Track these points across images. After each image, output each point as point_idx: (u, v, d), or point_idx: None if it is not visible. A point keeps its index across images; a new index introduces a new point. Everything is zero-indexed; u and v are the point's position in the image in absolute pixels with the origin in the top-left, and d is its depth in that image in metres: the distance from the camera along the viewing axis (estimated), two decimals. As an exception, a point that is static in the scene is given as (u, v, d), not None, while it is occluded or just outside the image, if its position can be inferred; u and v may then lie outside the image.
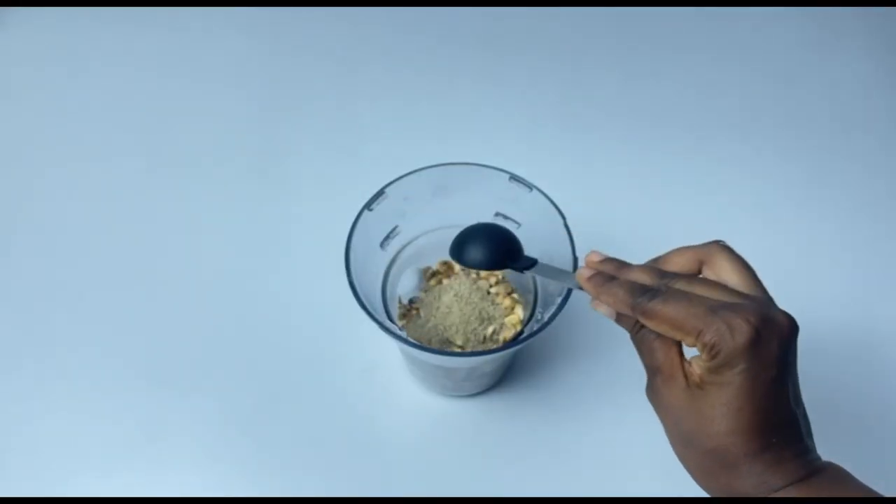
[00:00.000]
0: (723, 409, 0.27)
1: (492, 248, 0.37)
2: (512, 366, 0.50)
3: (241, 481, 0.45)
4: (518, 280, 0.47)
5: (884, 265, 0.56)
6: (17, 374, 0.49)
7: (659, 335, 0.29)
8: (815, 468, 0.28)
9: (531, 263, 0.36)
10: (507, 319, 0.45)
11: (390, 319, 0.43)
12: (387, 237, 0.44)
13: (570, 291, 0.37)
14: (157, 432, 0.47)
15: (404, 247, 0.46)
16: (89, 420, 0.47)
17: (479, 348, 0.44)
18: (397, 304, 0.46)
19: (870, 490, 0.27)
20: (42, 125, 0.65)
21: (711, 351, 0.27)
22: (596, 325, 0.51)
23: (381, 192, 0.41)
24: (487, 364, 0.43)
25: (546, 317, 0.38)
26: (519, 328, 0.45)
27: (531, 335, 0.37)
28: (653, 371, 0.30)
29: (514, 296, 0.47)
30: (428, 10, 0.75)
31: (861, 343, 0.52)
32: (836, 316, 0.53)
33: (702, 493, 0.44)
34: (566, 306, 0.37)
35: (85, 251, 0.56)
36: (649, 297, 0.29)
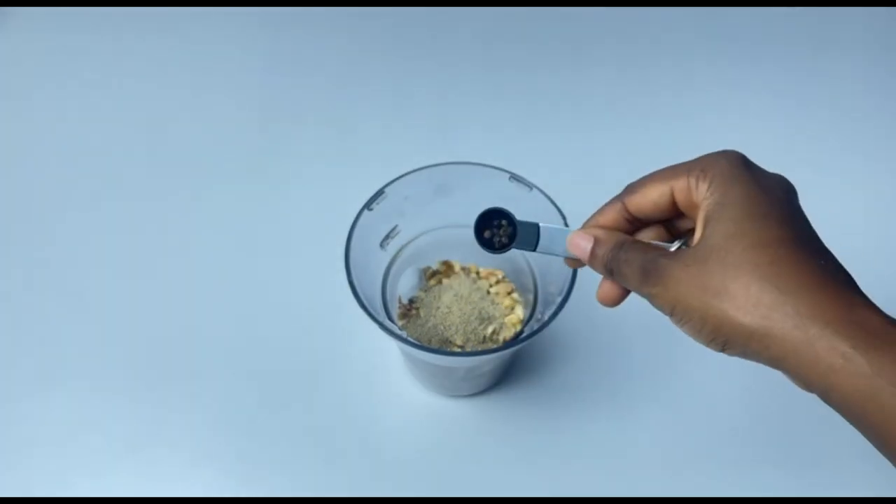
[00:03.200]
0: (745, 219, 0.23)
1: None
2: (512, 366, 0.50)
3: (240, 481, 0.45)
4: (518, 280, 0.47)
5: None
6: (17, 374, 0.49)
7: (639, 242, 0.28)
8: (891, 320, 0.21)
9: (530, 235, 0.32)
10: (507, 319, 0.45)
11: (390, 319, 0.43)
12: (387, 237, 0.44)
13: (570, 290, 0.37)
14: (156, 432, 0.47)
15: (404, 246, 0.46)
16: (88, 420, 0.47)
17: (479, 348, 0.44)
18: (397, 304, 0.46)
19: None
20: (42, 125, 0.65)
21: (708, 176, 0.25)
22: (596, 325, 0.51)
23: (380, 192, 0.41)
24: (487, 364, 0.43)
25: (546, 317, 0.38)
26: (519, 328, 0.45)
27: (531, 335, 0.37)
28: (650, 261, 0.26)
29: (514, 296, 0.47)
30: (428, 10, 0.75)
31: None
32: None
33: (702, 493, 0.44)
34: (566, 306, 0.37)
35: (85, 251, 0.56)
36: (627, 185, 0.28)
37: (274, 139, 0.64)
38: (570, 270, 0.38)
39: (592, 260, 0.29)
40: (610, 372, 0.50)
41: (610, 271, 0.28)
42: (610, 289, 0.30)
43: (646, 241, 0.29)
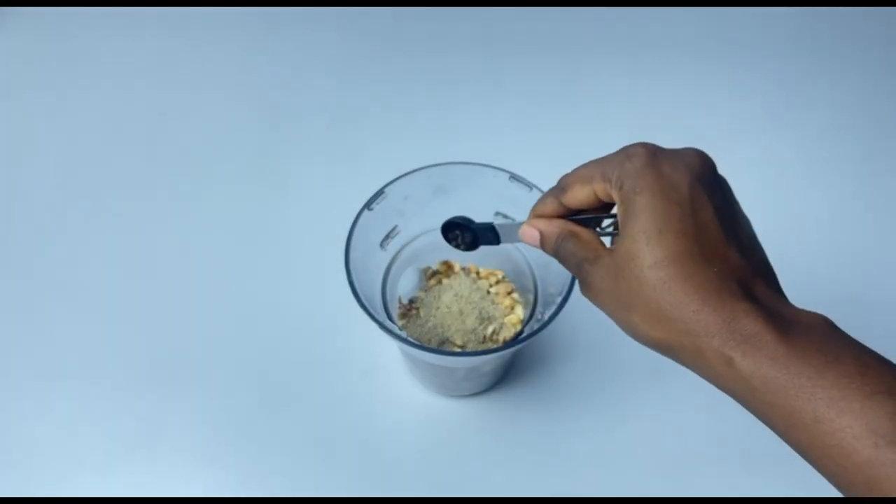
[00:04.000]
0: (642, 239, 0.25)
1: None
2: (512, 366, 0.50)
3: (240, 481, 0.45)
4: (518, 280, 0.47)
5: None
6: (17, 374, 0.49)
7: (574, 235, 0.29)
8: (782, 317, 0.24)
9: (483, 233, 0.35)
10: (506, 319, 0.45)
11: (390, 319, 0.43)
12: (386, 237, 0.44)
13: (570, 290, 0.37)
14: (156, 432, 0.47)
15: (404, 246, 0.46)
16: (88, 420, 0.47)
17: (479, 348, 0.44)
18: (397, 304, 0.46)
19: (864, 348, 0.23)
20: (42, 125, 0.65)
21: (617, 182, 0.26)
22: (596, 325, 0.51)
23: (380, 192, 0.41)
24: (487, 364, 0.43)
25: (546, 317, 0.38)
26: (519, 328, 0.45)
27: (531, 335, 0.37)
28: (580, 267, 0.29)
29: (514, 296, 0.47)
30: (428, 10, 0.75)
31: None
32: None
33: (702, 493, 0.44)
34: (566, 306, 0.37)
35: (84, 251, 0.56)
36: (561, 178, 0.30)
37: (274, 139, 0.64)
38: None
39: (543, 247, 0.31)
40: (610, 372, 0.50)
41: (558, 259, 0.30)
42: (533, 235, 0.32)
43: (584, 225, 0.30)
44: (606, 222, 0.31)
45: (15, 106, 0.66)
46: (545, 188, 0.41)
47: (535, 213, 0.32)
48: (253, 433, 0.47)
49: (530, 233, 0.31)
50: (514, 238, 0.33)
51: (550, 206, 0.31)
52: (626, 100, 0.68)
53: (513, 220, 0.44)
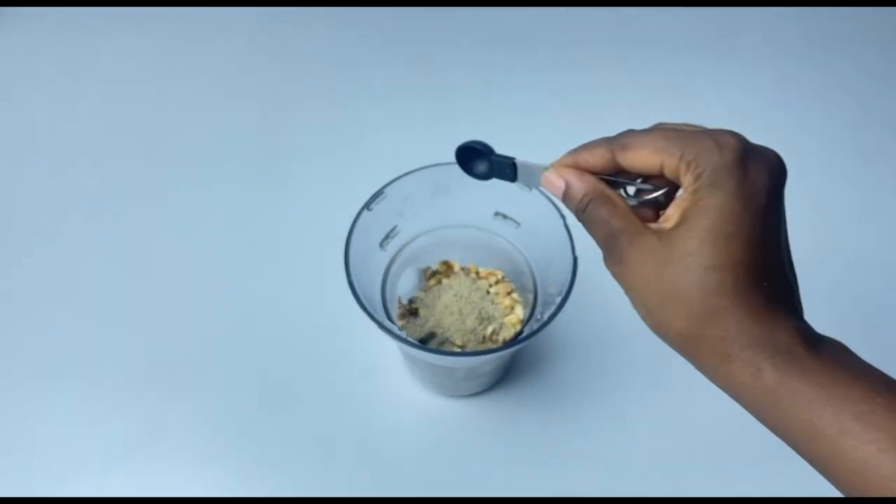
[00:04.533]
0: (709, 238, 0.23)
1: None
2: (512, 366, 0.50)
3: (240, 481, 0.45)
4: (518, 280, 0.47)
5: None
6: (16, 374, 0.49)
7: (609, 201, 0.27)
8: (812, 336, 0.24)
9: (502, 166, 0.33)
10: (506, 319, 0.45)
11: (390, 319, 0.43)
12: (386, 237, 0.44)
13: (570, 290, 0.37)
14: (156, 432, 0.47)
15: (404, 246, 0.46)
16: (88, 420, 0.47)
17: (479, 348, 0.44)
18: (397, 304, 0.46)
19: (873, 370, 0.24)
20: (41, 125, 0.65)
21: (696, 169, 0.24)
22: (595, 325, 0.51)
23: (380, 192, 0.41)
24: (487, 364, 0.43)
25: (546, 317, 0.38)
26: (518, 328, 0.45)
27: (531, 335, 0.37)
28: (613, 236, 0.26)
29: (514, 295, 0.47)
30: (428, 10, 0.75)
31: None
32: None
33: (702, 493, 0.44)
34: (566, 306, 0.37)
35: (84, 251, 0.56)
36: (625, 133, 0.27)
37: (274, 139, 0.64)
38: (569, 271, 0.38)
39: (565, 201, 0.29)
40: (609, 371, 0.50)
41: (580, 219, 0.28)
42: (558, 183, 0.29)
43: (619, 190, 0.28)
44: (655, 193, 0.28)
45: (15, 106, 0.66)
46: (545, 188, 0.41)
47: (572, 160, 0.29)
48: (253, 433, 0.47)
49: (555, 181, 0.29)
50: (535, 182, 0.31)
51: (599, 158, 0.28)
52: (627, 99, 0.68)
53: (513, 219, 0.44)
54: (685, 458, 0.46)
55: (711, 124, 0.27)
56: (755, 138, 0.26)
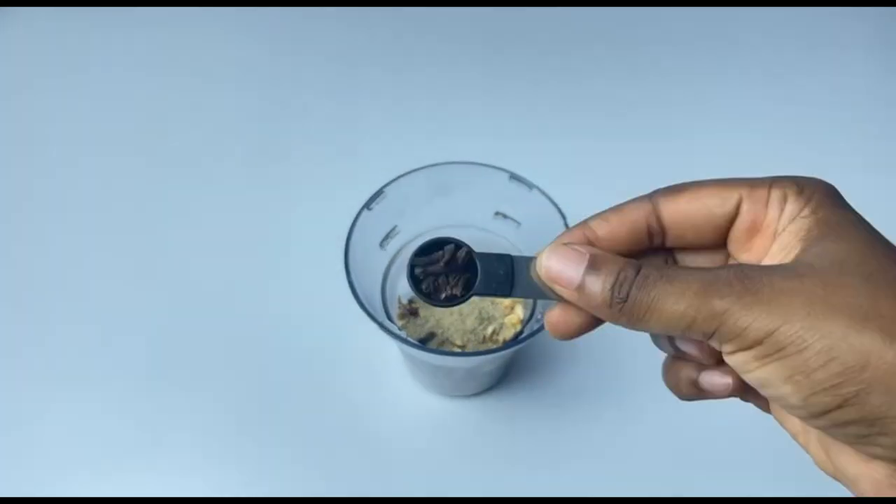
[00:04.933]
0: (882, 243, 0.18)
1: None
2: (512, 366, 0.50)
3: (240, 481, 0.45)
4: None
5: None
6: (16, 374, 0.49)
7: (662, 268, 0.20)
8: None
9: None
10: (506, 319, 0.45)
11: (390, 319, 0.43)
12: (386, 237, 0.44)
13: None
14: (156, 432, 0.47)
15: (404, 246, 0.46)
16: (89, 420, 0.47)
17: (479, 348, 0.44)
18: (397, 304, 0.46)
19: None
20: (41, 125, 0.65)
21: (802, 194, 0.20)
22: (596, 325, 0.51)
23: (380, 192, 0.41)
24: (487, 364, 0.43)
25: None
26: (519, 328, 0.45)
27: (531, 335, 0.37)
28: (712, 284, 0.19)
29: (514, 295, 0.47)
30: (428, 10, 0.75)
31: None
32: None
33: (702, 493, 0.44)
34: (566, 306, 0.37)
35: (84, 251, 0.56)
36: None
37: (273, 139, 0.64)
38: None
39: (581, 293, 0.20)
40: (610, 371, 0.50)
41: (621, 302, 0.20)
42: (570, 314, 0.22)
43: None
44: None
45: (15, 106, 0.66)
46: (545, 188, 0.41)
47: (580, 234, 0.22)
48: (252, 433, 0.47)
49: (562, 261, 0.21)
50: (537, 292, 0.22)
51: (630, 223, 0.22)
52: (627, 98, 0.68)
53: (514, 219, 0.44)
54: (686, 458, 0.46)
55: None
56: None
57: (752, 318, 0.18)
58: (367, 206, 0.41)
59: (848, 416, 0.17)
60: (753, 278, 0.18)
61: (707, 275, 0.19)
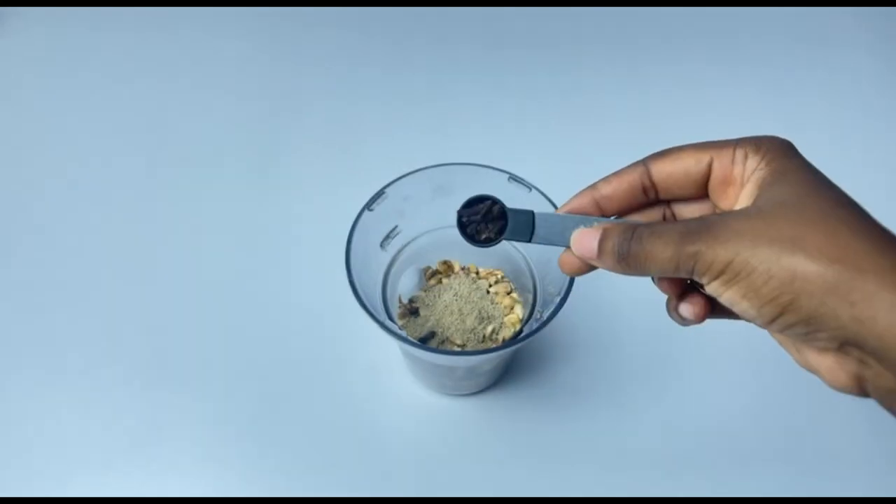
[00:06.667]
0: (819, 187, 0.23)
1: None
2: (511, 365, 0.50)
3: (240, 481, 0.45)
4: (517, 279, 0.47)
5: None
6: (16, 374, 0.49)
7: (651, 224, 0.26)
8: None
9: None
10: (506, 318, 0.45)
11: (390, 319, 0.43)
12: (387, 237, 0.44)
13: (569, 290, 0.37)
14: (156, 432, 0.47)
15: (404, 246, 0.46)
16: (88, 420, 0.47)
17: (479, 347, 0.44)
18: (397, 304, 0.46)
19: None
20: (42, 126, 0.65)
21: (759, 150, 0.24)
22: (595, 324, 0.51)
23: (381, 192, 0.41)
24: (487, 363, 0.43)
25: (545, 316, 0.38)
26: (518, 327, 0.45)
27: (531, 334, 0.37)
28: (688, 231, 0.24)
29: (514, 295, 0.47)
30: (428, 10, 0.75)
31: None
32: None
33: (702, 493, 0.44)
34: (565, 306, 0.38)
35: (84, 251, 0.56)
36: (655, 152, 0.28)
37: (274, 140, 0.64)
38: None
39: (601, 255, 0.27)
40: (609, 371, 0.50)
41: (623, 256, 0.26)
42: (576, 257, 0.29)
43: None
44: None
45: (15, 105, 0.66)
46: (545, 189, 0.41)
47: (590, 198, 0.28)
48: (252, 433, 0.47)
49: (585, 241, 0.27)
50: (558, 238, 0.28)
51: (627, 179, 0.28)
52: (627, 100, 0.68)
53: None
54: (685, 458, 0.46)
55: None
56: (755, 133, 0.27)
57: (715, 255, 0.23)
58: (368, 206, 0.41)
59: (791, 320, 0.22)
60: (715, 224, 0.23)
61: (683, 227, 0.24)
